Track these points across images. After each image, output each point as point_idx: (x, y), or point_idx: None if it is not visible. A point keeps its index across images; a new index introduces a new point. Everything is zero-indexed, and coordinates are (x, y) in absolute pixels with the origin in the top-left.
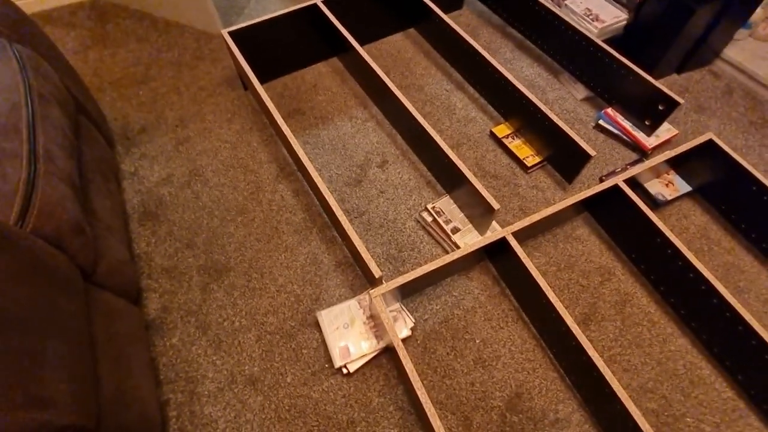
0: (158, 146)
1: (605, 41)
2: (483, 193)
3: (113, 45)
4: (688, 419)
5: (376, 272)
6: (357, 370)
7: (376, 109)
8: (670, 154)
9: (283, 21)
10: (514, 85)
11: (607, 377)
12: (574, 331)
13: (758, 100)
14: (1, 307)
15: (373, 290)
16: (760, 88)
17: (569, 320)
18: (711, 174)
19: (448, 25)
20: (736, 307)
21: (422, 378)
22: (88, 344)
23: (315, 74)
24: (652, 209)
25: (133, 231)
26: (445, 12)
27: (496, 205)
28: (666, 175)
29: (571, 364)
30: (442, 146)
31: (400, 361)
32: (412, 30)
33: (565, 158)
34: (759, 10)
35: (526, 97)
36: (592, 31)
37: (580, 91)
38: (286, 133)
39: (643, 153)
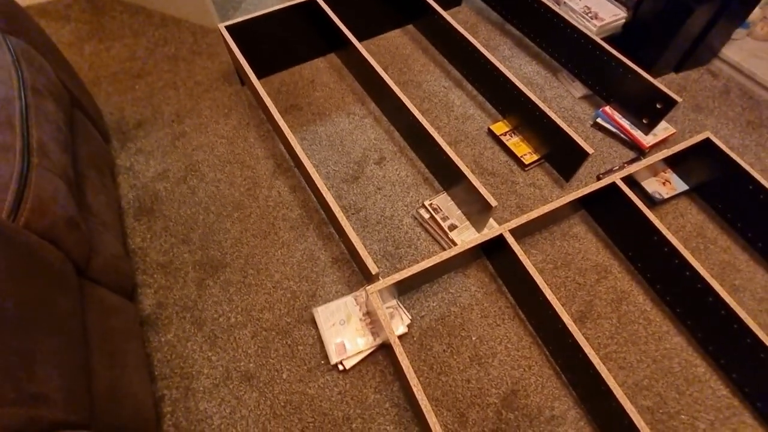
0: (154, 141)
1: (604, 39)
2: (480, 191)
3: (109, 38)
4: (683, 416)
5: (373, 269)
6: (353, 367)
7: (373, 106)
8: (667, 152)
9: (280, 16)
10: (512, 83)
11: (602, 375)
12: (570, 329)
13: (755, 100)
14: None
15: (369, 287)
16: (758, 88)
17: (565, 318)
18: (708, 173)
19: (446, 21)
20: (732, 306)
21: (418, 375)
22: (82, 340)
23: (313, 70)
24: (649, 207)
25: (128, 226)
26: (444, 8)
27: (493, 203)
28: (663, 173)
29: (567, 362)
30: (439, 143)
31: (397, 357)
32: (410, 26)
33: (562, 156)
34: (757, 10)
35: (525, 94)
36: (590, 28)
37: (578, 89)
38: (283, 128)
39: (640, 151)
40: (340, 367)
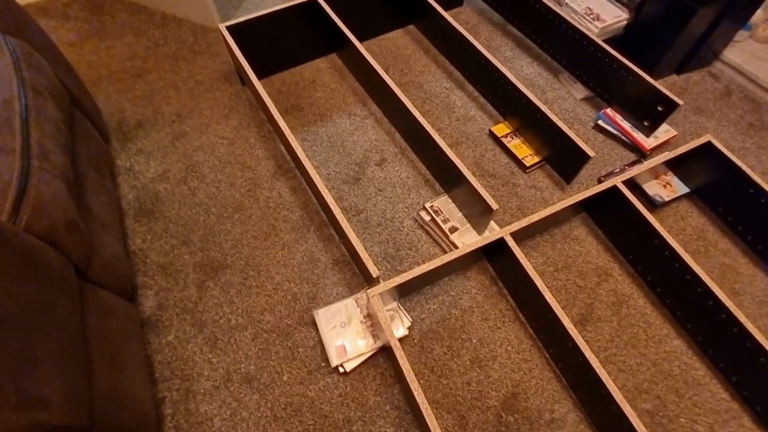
0: (154, 141)
1: (605, 41)
2: (481, 193)
3: (109, 38)
4: (682, 420)
5: (374, 271)
6: (353, 369)
7: (374, 107)
8: (668, 155)
9: (281, 16)
10: (513, 84)
11: (602, 378)
12: (570, 332)
13: (757, 103)
14: None
15: (370, 290)
16: (759, 91)
17: (566, 321)
18: (709, 176)
19: (448, 22)
20: (732, 309)
21: (419, 377)
22: (82, 342)
23: (313, 70)
24: (649, 210)
25: (129, 227)
26: (445, 9)
27: (494, 205)
28: (664, 176)
29: (567, 365)
30: (440, 145)
31: (397, 360)
32: (411, 27)
33: (564, 158)
34: (759, 12)
35: (526, 96)
36: (592, 30)
37: (580, 91)
38: (283, 129)
39: (641, 154)
40: (341, 370)
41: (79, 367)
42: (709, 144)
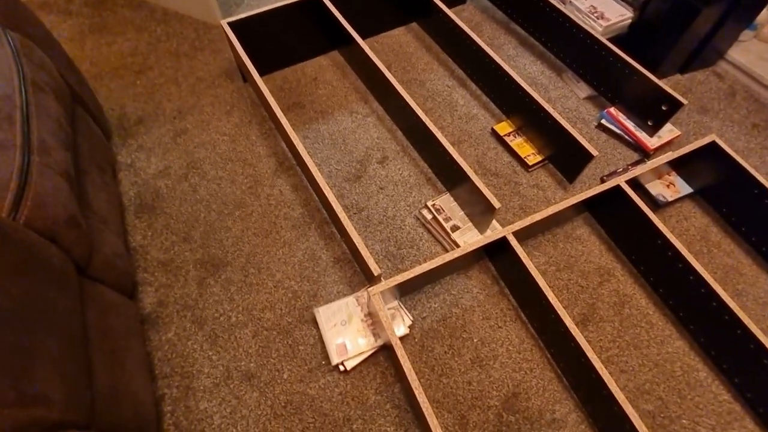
0: (155, 138)
1: (609, 39)
2: (484, 191)
3: (110, 34)
4: (684, 421)
5: (375, 270)
6: (354, 368)
7: (376, 104)
8: (672, 155)
9: (283, 12)
10: (516, 83)
11: (604, 378)
12: (572, 332)
13: (761, 103)
14: None
15: (371, 287)
16: (764, 90)
17: (568, 320)
18: (713, 176)
19: (451, 19)
20: (735, 311)
21: (419, 376)
22: (82, 339)
23: (315, 67)
24: (652, 210)
25: (129, 224)
26: (449, 6)
27: (497, 204)
28: (667, 176)
29: (569, 365)
30: (443, 143)
31: (398, 359)
32: (414, 24)
33: (566, 157)
34: (764, 12)
35: (529, 94)
36: (596, 29)
37: (583, 90)
38: (285, 126)
39: (645, 153)
40: (341, 368)
41: (79, 364)
42: (713, 144)
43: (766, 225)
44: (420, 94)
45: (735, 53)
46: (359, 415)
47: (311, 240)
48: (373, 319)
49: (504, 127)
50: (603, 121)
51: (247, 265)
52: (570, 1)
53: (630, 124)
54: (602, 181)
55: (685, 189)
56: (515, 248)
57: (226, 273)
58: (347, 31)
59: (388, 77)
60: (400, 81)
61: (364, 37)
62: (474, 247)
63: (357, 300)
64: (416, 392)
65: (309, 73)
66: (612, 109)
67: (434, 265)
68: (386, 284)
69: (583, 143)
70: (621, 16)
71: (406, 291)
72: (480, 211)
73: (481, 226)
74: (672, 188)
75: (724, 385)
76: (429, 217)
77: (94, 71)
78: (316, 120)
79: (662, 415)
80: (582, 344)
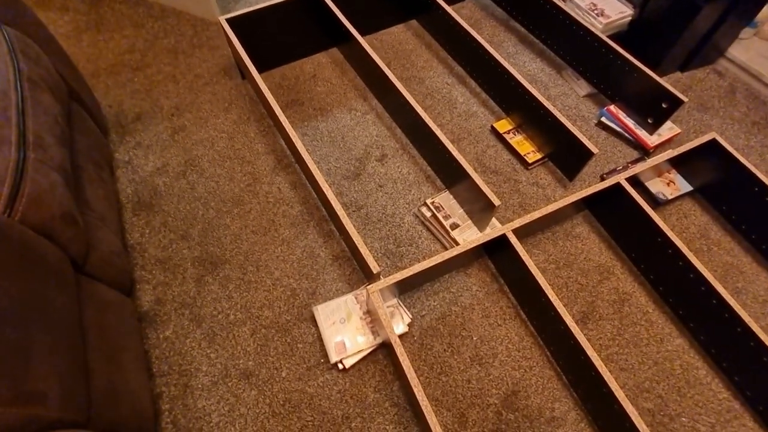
0: (153, 135)
1: (609, 37)
2: (483, 189)
3: (108, 30)
4: (684, 419)
5: (374, 267)
6: (353, 366)
7: (376, 102)
8: (672, 153)
9: (282, 9)
10: (516, 80)
11: (604, 376)
12: (572, 330)
13: (761, 101)
14: None
15: (370, 285)
16: (764, 88)
17: (567, 318)
18: (713, 174)
19: (450, 17)
20: (735, 308)
21: (418, 374)
22: (79, 336)
23: (314, 64)
24: (652, 208)
25: (127, 221)
26: (448, 4)
27: (496, 202)
28: (667, 173)
29: (568, 363)
30: (442, 140)
31: (397, 357)
32: (414, 21)
33: (566, 155)
34: (765, 9)
35: (529, 92)
36: (596, 26)
37: (583, 88)
38: (284, 124)
39: (645, 151)
40: (340, 366)
41: (76, 362)
42: (713, 142)
43: (766, 223)
44: (419, 91)
45: (735, 51)
46: (358, 413)
47: (310, 238)
48: (372, 317)
49: (504, 125)
50: (603, 119)
51: (245, 263)
52: None
53: (630, 122)
54: (602, 178)
55: (685, 187)
56: (515, 246)
57: (224, 271)
58: (346, 28)
59: (388, 74)
60: (400, 78)
61: (363, 35)
62: (473, 245)
63: (356, 298)
64: (415, 390)
65: (308, 71)
66: (612, 107)
67: (433, 263)
68: (385, 282)
69: (583, 141)
70: (621, 13)
71: (405, 289)
72: (479, 209)
73: (481, 223)
74: (672, 186)
75: (724, 383)
76: (428, 214)
77: (91, 68)
78: (314, 117)
79: (662, 413)
80: (581, 342)
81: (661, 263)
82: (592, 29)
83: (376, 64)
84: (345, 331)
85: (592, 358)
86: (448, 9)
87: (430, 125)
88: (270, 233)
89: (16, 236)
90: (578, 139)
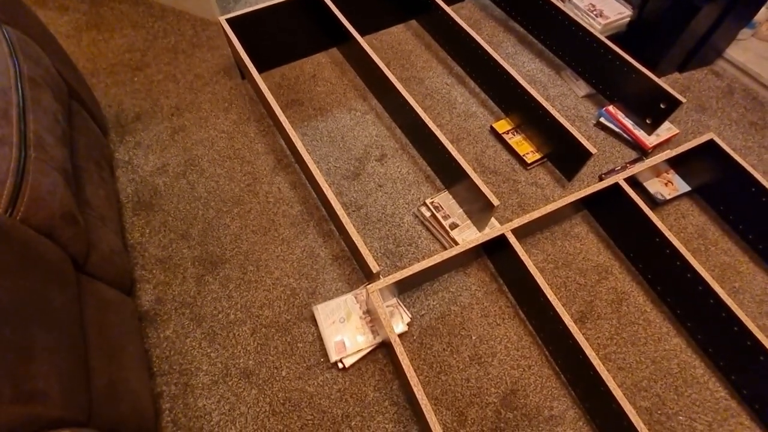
0: (153, 135)
1: (608, 38)
2: (483, 189)
3: (108, 29)
4: (681, 418)
5: (374, 267)
6: (352, 365)
7: (375, 102)
8: (670, 153)
9: (282, 9)
10: (515, 80)
11: (602, 375)
12: (570, 329)
13: (759, 101)
14: None
15: (370, 285)
16: (762, 89)
17: (566, 318)
18: (711, 174)
19: (450, 17)
20: (732, 308)
21: (418, 373)
22: (80, 336)
23: (314, 65)
24: (650, 208)
25: (127, 221)
26: (448, 4)
27: (495, 201)
28: (665, 174)
29: (567, 362)
30: (441, 140)
31: (396, 356)
32: (413, 22)
33: (565, 155)
34: (763, 10)
35: (528, 92)
36: (595, 27)
37: (582, 88)
38: (284, 124)
39: (643, 152)
40: (340, 365)
41: (77, 361)
42: (711, 142)
43: (764, 223)
44: (419, 91)
45: (733, 52)
46: (358, 412)
47: (310, 237)
48: (371, 317)
49: (503, 125)
50: (601, 119)
51: (245, 263)
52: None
53: (628, 122)
54: (600, 179)
55: (683, 187)
56: (514, 246)
57: (224, 270)
58: (346, 29)
59: (387, 75)
60: (399, 78)
61: (363, 35)
62: (472, 245)
63: (356, 297)
64: (415, 389)
65: (308, 71)
66: (610, 107)
67: (433, 263)
68: (385, 281)
69: (581, 141)
70: (620, 14)
71: (404, 288)
72: (479, 209)
73: (480, 223)
74: (670, 186)
75: (721, 381)
76: (428, 214)
77: (91, 67)
78: (314, 117)
79: (659, 412)
80: (580, 341)
81: (659, 263)
82: (591, 30)
83: (376, 65)
84: (345, 330)
85: (590, 357)
86: (448, 9)
87: (429, 125)
88: (270, 233)
89: (17, 236)
90: (577, 139)
